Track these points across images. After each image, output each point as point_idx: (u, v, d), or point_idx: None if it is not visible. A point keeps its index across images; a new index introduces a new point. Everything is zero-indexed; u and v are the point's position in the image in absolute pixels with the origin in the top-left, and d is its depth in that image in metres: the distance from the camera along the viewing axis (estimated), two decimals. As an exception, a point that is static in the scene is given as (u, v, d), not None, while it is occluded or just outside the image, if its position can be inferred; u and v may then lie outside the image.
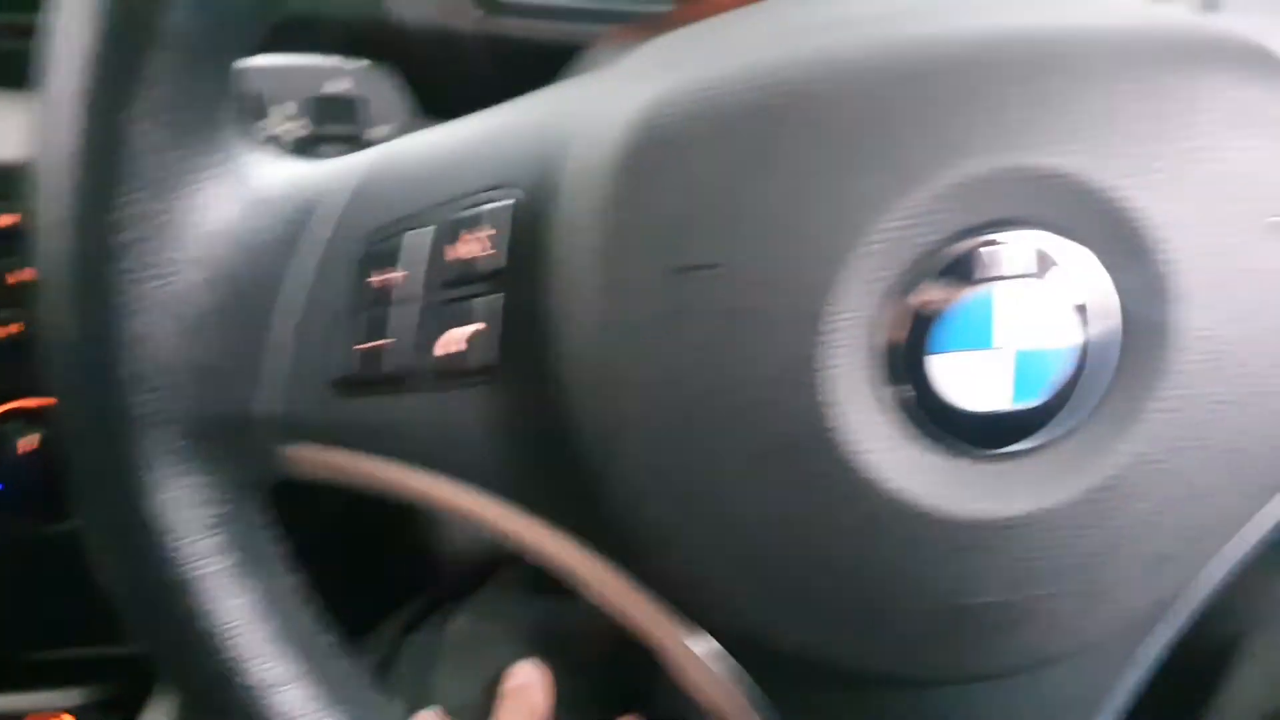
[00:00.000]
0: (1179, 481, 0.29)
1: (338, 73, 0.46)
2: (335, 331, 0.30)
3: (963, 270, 0.28)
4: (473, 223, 0.30)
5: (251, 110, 0.47)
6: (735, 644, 0.31)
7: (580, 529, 0.31)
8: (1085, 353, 0.28)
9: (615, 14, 0.62)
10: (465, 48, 0.58)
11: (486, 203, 0.30)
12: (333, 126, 0.46)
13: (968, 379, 0.28)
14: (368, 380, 0.30)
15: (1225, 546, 0.31)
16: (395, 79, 0.48)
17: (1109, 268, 0.28)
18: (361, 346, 0.30)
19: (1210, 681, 0.57)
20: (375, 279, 0.30)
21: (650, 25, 0.35)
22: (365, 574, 0.65)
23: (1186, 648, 0.60)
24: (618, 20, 0.60)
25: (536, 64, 0.41)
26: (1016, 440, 0.28)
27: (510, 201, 0.30)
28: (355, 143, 0.34)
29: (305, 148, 0.47)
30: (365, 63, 0.47)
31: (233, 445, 0.31)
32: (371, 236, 0.30)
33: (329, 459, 0.31)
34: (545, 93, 0.32)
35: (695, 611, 0.31)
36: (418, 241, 0.30)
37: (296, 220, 0.31)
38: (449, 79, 0.53)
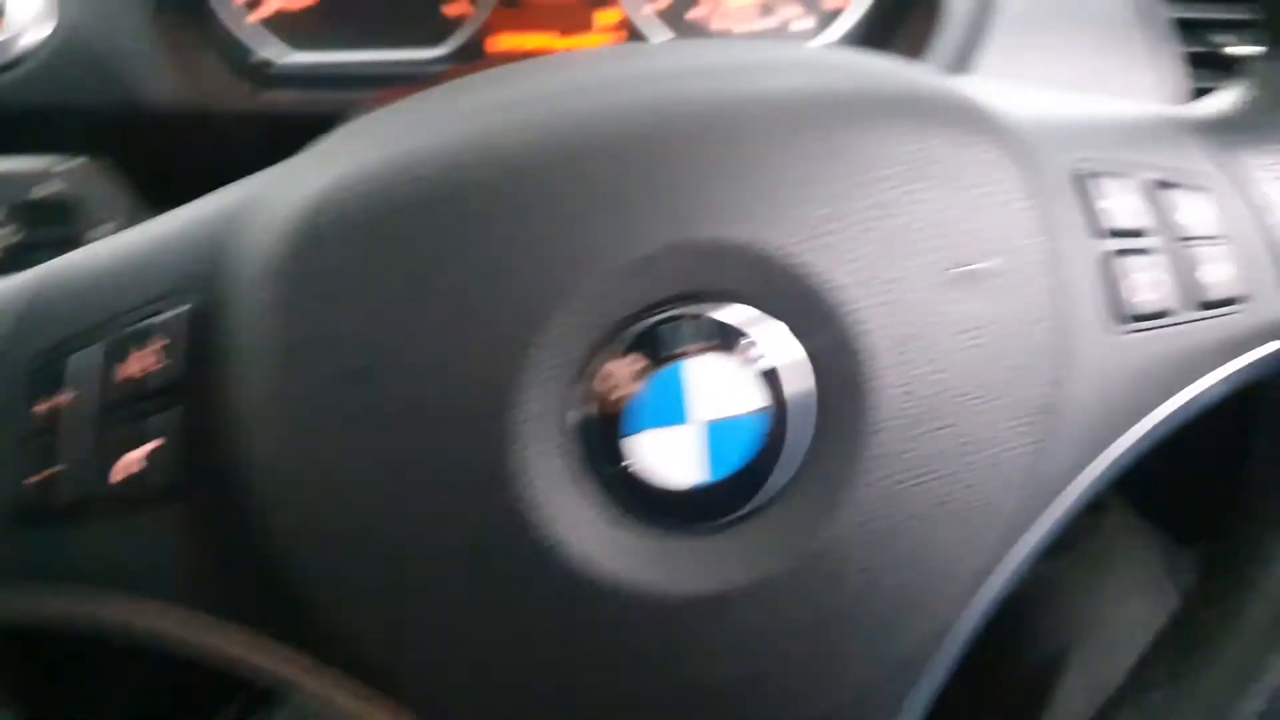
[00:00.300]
0: (898, 541, 0.28)
1: (46, 175, 0.44)
2: (5, 464, 0.28)
3: (648, 348, 0.27)
4: (144, 336, 0.28)
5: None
6: None
7: (290, 640, 0.29)
8: (781, 419, 0.27)
9: (394, 77, 0.60)
10: (234, 128, 0.56)
11: (158, 313, 0.28)
12: (47, 231, 0.44)
13: (666, 456, 0.27)
14: (45, 512, 0.28)
15: (972, 600, 0.30)
16: (114, 173, 0.46)
17: (797, 332, 0.28)
18: (32, 479, 0.28)
19: (1038, 694, 0.59)
20: (40, 406, 0.28)
21: (416, 89, 0.33)
22: (175, 682, 0.62)
23: (1015, 665, 0.61)
24: (396, 84, 0.59)
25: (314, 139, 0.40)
26: (723, 513, 0.28)
27: (185, 308, 0.28)
28: (75, 245, 0.32)
29: (19, 256, 0.45)
30: (79, 160, 0.45)
31: None
32: (35, 361, 0.29)
33: (20, 598, 0.29)
34: (226, 189, 0.31)
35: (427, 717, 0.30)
36: (86, 362, 0.28)
37: None
38: (218, 164, 0.51)
